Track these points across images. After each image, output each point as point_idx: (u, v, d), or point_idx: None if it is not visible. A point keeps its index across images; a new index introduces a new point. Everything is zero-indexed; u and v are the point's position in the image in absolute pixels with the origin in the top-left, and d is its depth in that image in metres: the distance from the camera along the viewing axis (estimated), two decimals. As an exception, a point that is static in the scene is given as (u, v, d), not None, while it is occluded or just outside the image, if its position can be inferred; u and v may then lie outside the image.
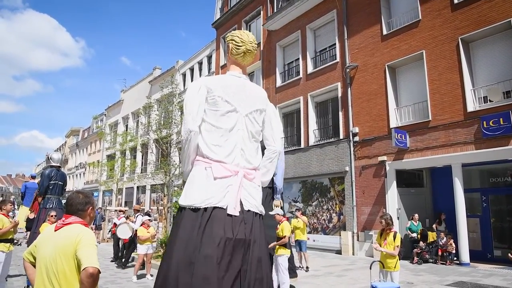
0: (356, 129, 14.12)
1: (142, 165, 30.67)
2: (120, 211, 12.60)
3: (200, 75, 26.05)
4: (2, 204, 6.71)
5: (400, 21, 13.42)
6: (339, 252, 13.97)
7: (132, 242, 10.95)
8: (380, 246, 5.81)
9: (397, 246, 5.64)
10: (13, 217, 6.85)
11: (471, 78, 11.36)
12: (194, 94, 2.33)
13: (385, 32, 13.68)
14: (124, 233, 10.84)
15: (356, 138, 14.13)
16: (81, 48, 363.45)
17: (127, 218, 11.95)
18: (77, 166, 48.58)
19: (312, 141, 16.08)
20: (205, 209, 2.15)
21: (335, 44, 15.75)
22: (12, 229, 6.31)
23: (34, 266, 2.53)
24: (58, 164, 7.96)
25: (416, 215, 12.12)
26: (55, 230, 2.50)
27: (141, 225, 9.31)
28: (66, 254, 2.36)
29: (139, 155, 31.22)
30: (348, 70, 14.68)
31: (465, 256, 10.78)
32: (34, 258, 2.53)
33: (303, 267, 10.35)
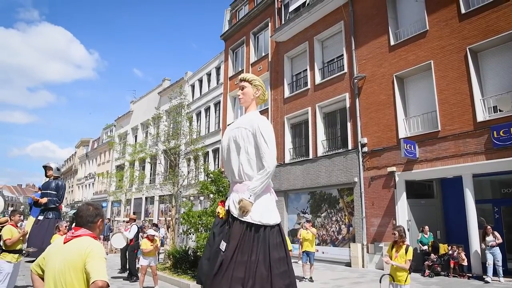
0: (365, 140, 14.05)
1: (150, 176, 30.79)
2: (131, 219, 12.57)
3: (209, 86, 26.23)
4: (11, 215, 6.80)
5: (407, 32, 13.42)
6: (348, 264, 13.78)
7: (132, 253, 10.94)
8: (391, 259, 5.72)
9: (409, 260, 5.54)
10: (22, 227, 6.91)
11: (480, 88, 11.27)
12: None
13: (392, 42, 13.67)
14: (118, 243, 10.83)
15: (365, 149, 14.05)
16: (95, 60, 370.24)
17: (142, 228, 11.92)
18: (86, 177, 48.94)
19: (320, 152, 16.02)
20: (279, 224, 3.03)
21: (342, 55, 15.78)
22: (21, 239, 6.36)
23: (42, 279, 2.52)
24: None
25: (427, 227, 11.93)
26: (64, 243, 2.48)
27: (146, 237, 9.27)
28: (75, 267, 2.35)
29: (147, 165, 31.36)
30: (356, 80, 14.67)
31: (477, 268, 10.57)
32: (42, 271, 2.52)
33: (306, 279, 10.27)
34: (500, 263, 10.01)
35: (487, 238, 10.19)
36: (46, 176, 7.33)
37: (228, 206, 3.02)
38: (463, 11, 11.64)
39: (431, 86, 12.27)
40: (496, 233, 10.26)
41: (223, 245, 2.84)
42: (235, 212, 2.92)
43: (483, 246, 10.31)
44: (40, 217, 6.90)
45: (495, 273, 10.01)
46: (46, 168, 7.47)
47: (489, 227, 10.38)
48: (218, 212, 3.09)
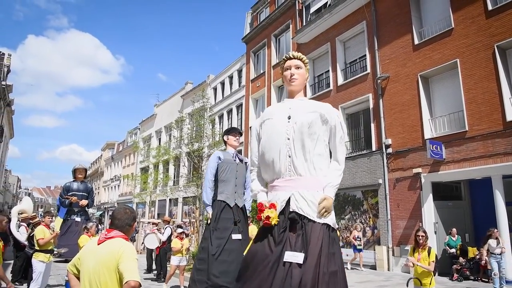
0: (389, 141, 13.84)
1: (174, 178, 31.23)
2: (153, 223, 12.82)
3: (231, 89, 26.42)
4: (44, 216, 7.07)
5: (432, 30, 13.16)
6: (373, 267, 13.59)
7: (165, 255, 11.10)
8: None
9: (433, 262, 5.46)
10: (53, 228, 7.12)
11: (510, 86, 10.93)
12: None
13: (416, 41, 13.43)
14: (151, 243, 11.02)
15: (389, 150, 13.84)
16: (121, 65, 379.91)
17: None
18: (112, 179, 50.05)
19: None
20: None
21: (365, 55, 15.61)
22: (52, 240, 6.58)
23: (77, 278, 2.65)
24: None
25: (454, 230, 11.64)
26: (98, 244, 2.61)
27: (176, 236, 9.43)
28: (108, 267, 2.47)
29: (171, 168, 31.82)
30: (379, 81, 14.48)
31: (509, 273, 10.22)
32: (78, 270, 2.64)
33: None
34: (505, 273, 9.14)
35: (490, 243, 9.17)
36: (77, 178, 7.40)
37: (290, 207, 2.49)
38: (490, 7, 11.33)
39: (458, 85, 11.98)
40: (504, 237, 9.57)
41: (297, 257, 2.30)
42: (311, 214, 2.44)
43: (484, 252, 9.51)
44: (78, 219, 7.05)
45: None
46: (84, 170, 7.59)
47: (496, 230, 9.49)
48: (269, 218, 2.45)
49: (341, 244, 12.75)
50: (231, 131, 4.91)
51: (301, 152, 2.52)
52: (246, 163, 4.80)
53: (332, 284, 2.26)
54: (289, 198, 2.49)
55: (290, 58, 2.82)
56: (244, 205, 4.70)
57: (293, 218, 2.44)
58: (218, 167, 4.64)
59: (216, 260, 4.15)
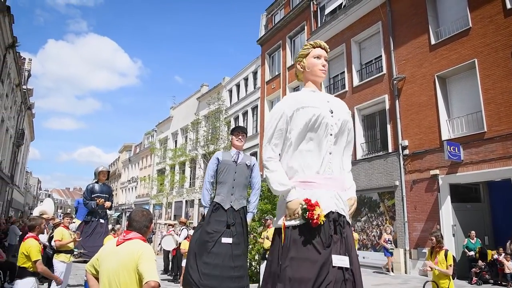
0: (406, 142, 13.70)
1: (190, 180, 31.50)
2: (170, 225, 12.99)
3: (246, 91, 26.53)
4: (64, 217, 7.24)
5: (449, 30, 12.98)
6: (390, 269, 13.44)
7: (181, 256, 11.23)
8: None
9: (450, 265, 5.40)
10: (74, 231, 7.25)
11: (530, 86, 10.71)
12: None
13: (433, 41, 13.27)
14: (168, 245, 11.15)
15: (406, 151, 13.70)
16: (139, 68, 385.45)
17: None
18: (129, 180, 50.74)
19: (359, 155, 15.77)
20: None
21: (381, 56, 15.49)
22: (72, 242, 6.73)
23: (96, 278, 2.74)
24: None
25: (473, 232, 11.45)
26: (117, 245, 2.69)
27: (185, 238, 9.52)
28: (128, 268, 2.55)
29: (187, 170, 32.11)
30: (395, 82, 14.35)
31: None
32: (96, 271, 2.73)
33: None
34: None
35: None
36: (100, 180, 7.36)
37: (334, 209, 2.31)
38: (508, 6, 11.13)
39: (476, 85, 11.79)
40: None
41: (344, 261, 2.18)
42: (347, 216, 2.38)
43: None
44: (102, 220, 7.09)
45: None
46: (107, 172, 7.64)
47: None
48: (319, 216, 2.18)
49: (357, 246, 12.66)
50: (234, 130, 4.72)
51: (338, 150, 2.46)
52: (248, 164, 4.55)
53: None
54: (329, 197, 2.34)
55: (319, 47, 2.58)
56: (243, 207, 4.44)
57: (335, 219, 2.28)
58: (218, 168, 4.52)
59: (201, 262, 4.09)
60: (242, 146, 4.66)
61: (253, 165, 4.61)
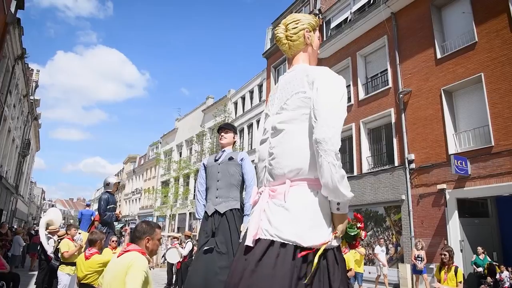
0: (412, 156, 13.62)
1: (195, 192, 31.40)
2: (174, 237, 12.92)
3: (251, 104, 26.61)
4: (67, 228, 7.18)
5: (454, 44, 13.00)
6: (397, 286, 13.25)
7: (186, 270, 11.14)
8: (440, 282, 5.49)
9: (460, 282, 5.30)
10: (78, 240, 7.20)
11: (538, 101, 10.65)
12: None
13: (439, 55, 13.29)
14: (172, 258, 11.07)
15: (412, 165, 13.60)
16: (146, 80, 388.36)
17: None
18: (133, 192, 50.74)
19: (365, 169, 15.69)
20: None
21: (386, 69, 15.52)
22: (77, 253, 6.68)
23: None
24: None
25: (480, 248, 11.26)
26: (117, 257, 2.72)
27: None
28: (120, 279, 2.56)
29: (191, 182, 32.08)
30: (401, 95, 14.34)
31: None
32: None
33: None
34: None
35: None
36: (113, 191, 7.30)
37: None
38: (515, 21, 11.16)
39: (482, 99, 11.75)
40: None
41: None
42: None
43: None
44: (113, 236, 7.04)
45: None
46: (119, 184, 7.64)
47: None
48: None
49: (363, 261, 12.49)
50: (218, 130, 4.20)
51: None
52: (233, 158, 3.89)
53: None
54: None
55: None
56: (232, 210, 3.70)
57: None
58: (206, 174, 4.01)
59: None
60: (228, 143, 4.06)
61: (242, 159, 3.90)
